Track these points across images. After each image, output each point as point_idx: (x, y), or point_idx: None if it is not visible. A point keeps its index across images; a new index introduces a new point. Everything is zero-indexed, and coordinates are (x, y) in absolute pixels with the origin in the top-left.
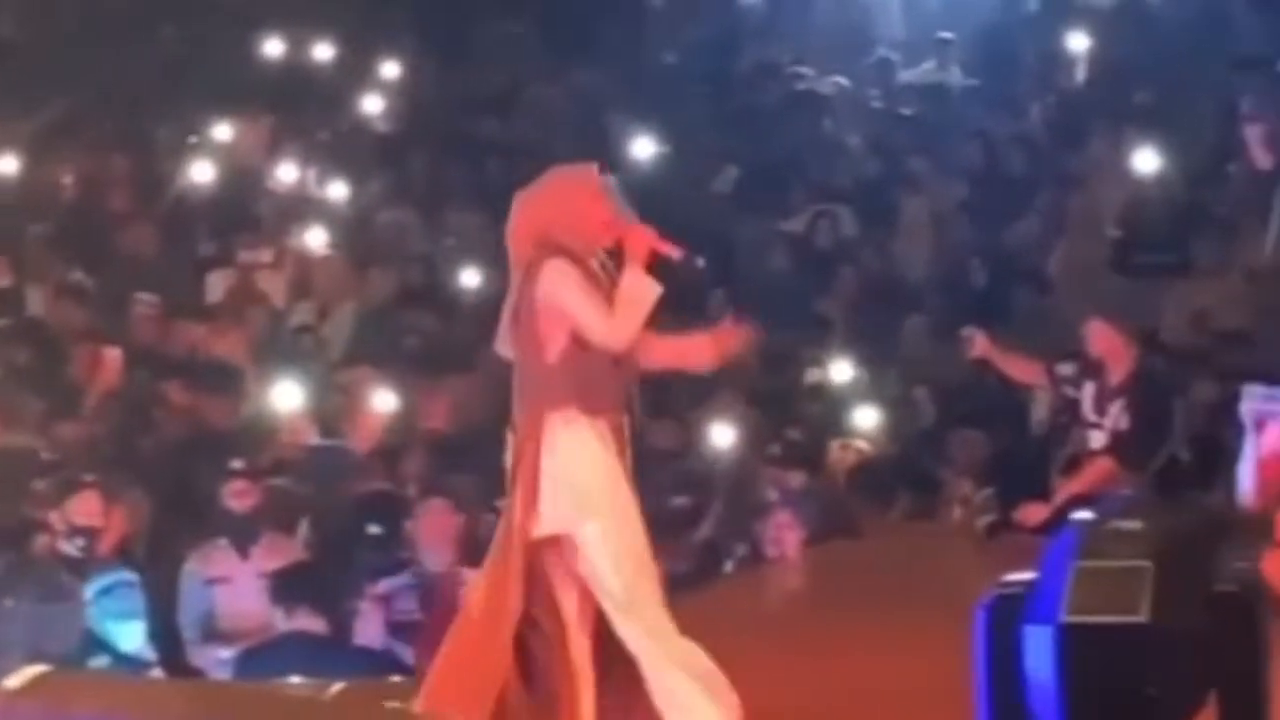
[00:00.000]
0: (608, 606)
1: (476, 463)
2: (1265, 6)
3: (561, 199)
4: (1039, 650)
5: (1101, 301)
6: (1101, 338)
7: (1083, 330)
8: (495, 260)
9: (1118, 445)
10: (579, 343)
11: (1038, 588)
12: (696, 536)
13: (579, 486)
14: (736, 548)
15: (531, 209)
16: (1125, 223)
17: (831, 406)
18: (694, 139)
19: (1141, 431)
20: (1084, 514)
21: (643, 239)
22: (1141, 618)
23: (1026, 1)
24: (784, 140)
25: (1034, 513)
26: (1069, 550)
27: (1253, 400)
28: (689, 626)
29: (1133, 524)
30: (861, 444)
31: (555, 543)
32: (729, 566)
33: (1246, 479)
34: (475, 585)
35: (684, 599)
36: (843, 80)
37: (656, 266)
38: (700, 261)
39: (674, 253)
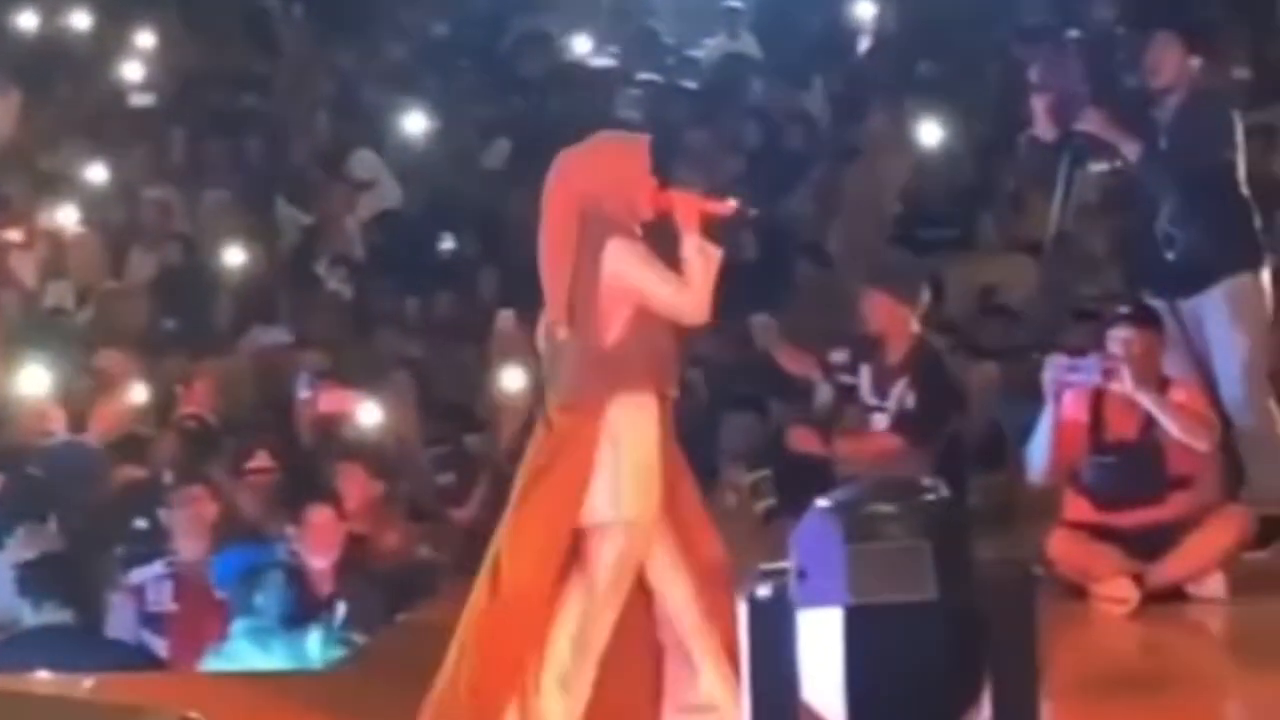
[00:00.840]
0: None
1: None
2: None
3: (610, 168)
4: (821, 636)
5: (882, 276)
6: (881, 312)
7: (861, 305)
8: (256, 239)
9: (901, 424)
10: (642, 319)
11: (808, 573)
12: (461, 518)
13: (647, 471)
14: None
15: (578, 175)
16: (907, 197)
17: None
18: (463, 113)
19: (924, 410)
20: (829, 498)
21: (692, 205)
22: (930, 596)
23: None
24: (555, 114)
25: None
26: (829, 533)
27: (1055, 370)
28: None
29: (888, 506)
30: None
31: (598, 529)
32: None
33: (1040, 454)
34: (500, 573)
35: (450, 590)
36: (615, 51)
37: None
38: (753, 210)
39: (726, 209)
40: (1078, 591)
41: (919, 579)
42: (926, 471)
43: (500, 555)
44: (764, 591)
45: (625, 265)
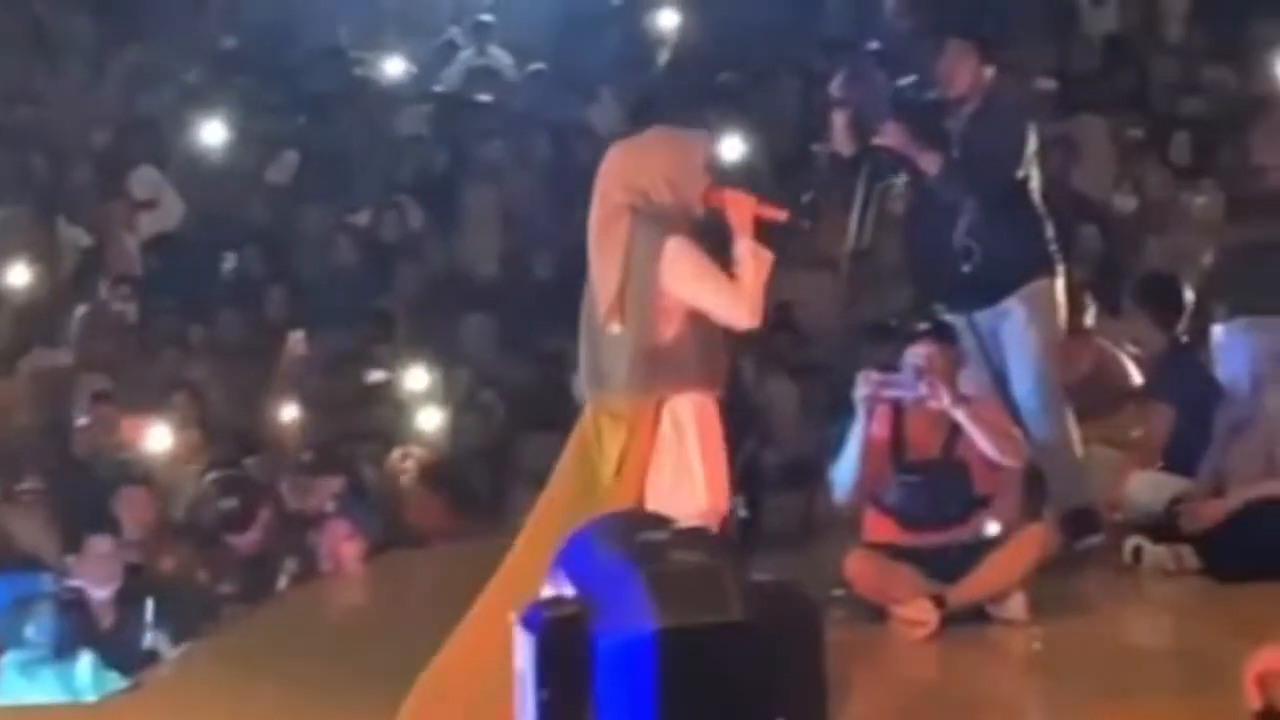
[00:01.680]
0: None
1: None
2: None
3: (665, 162)
4: (627, 663)
5: None
6: None
7: None
8: (39, 258)
9: None
10: (697, 318)
11: (599, 598)
12: (244, 544)
13: (718, 465)
14: (288, 562)
15: (633, 166)
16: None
17: (394, 409)
18: (249, 128)
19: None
20: (594, 526)
21: (746, 206)
22: (737, 616)
23: None
24: (345, 128)
25: None
26: (611, 559)
27: (869, 386)
28: (243, 652)
29: (661, 533)
30: (420, 450)
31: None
32: (282, 583)
33: (848, 473)
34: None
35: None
36: (408, 65)
37: None
38: (805, 222)
39: (780, 215)
40: (878, 613)
41: (725, 600)
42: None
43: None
44: (550, 621)
45: (683, 266)
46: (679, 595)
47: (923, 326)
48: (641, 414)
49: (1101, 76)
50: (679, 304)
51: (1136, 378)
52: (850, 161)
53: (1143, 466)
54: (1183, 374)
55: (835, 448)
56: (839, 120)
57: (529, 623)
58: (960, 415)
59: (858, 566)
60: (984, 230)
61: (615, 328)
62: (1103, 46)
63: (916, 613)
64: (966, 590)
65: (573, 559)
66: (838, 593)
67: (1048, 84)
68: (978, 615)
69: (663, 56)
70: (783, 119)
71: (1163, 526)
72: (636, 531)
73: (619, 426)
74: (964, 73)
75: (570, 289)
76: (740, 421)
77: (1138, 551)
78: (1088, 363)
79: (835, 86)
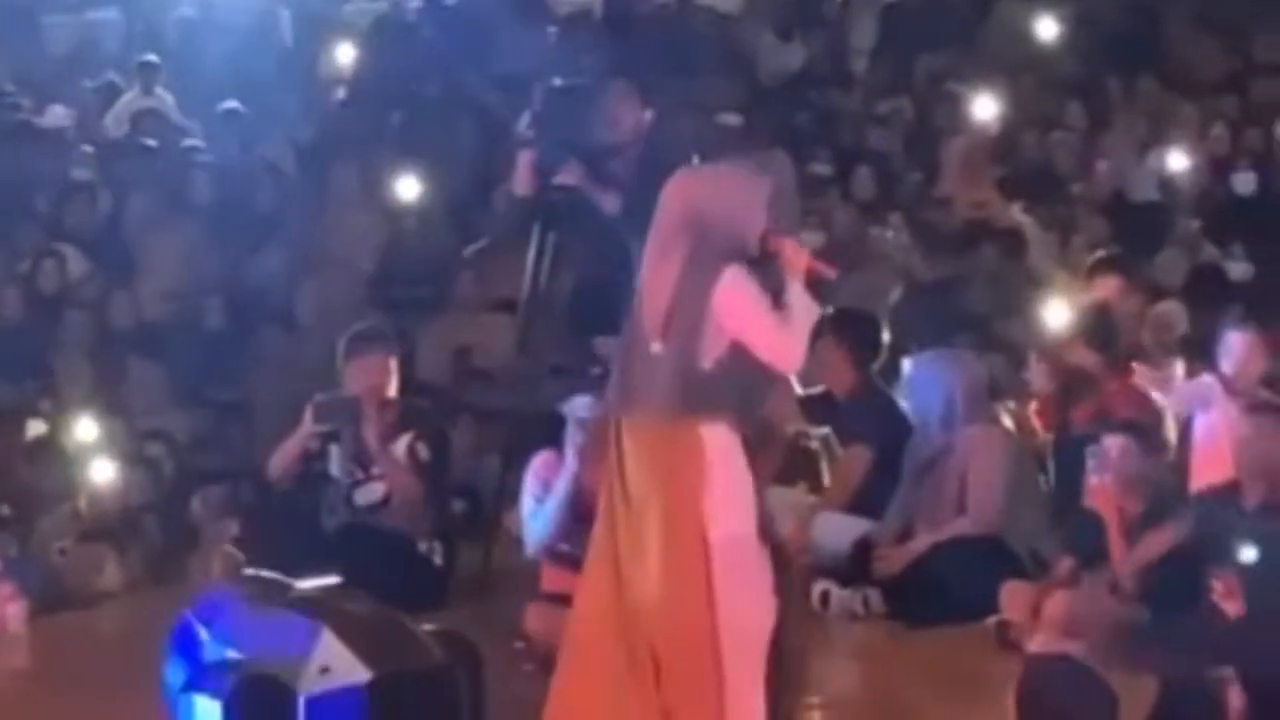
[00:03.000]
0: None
1: None
2: (530, 23)
3: (731, 195)
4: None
5: (354, 340)
6: (364, 375)
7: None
8: None
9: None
10: (739, 351)
11: (278, 654)
12: None
13: (735, 498)
14: None
15: (698, 193)
16: (382, 255)
17: (59, 464)
18: None
19: (435, 462)
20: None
21: (802, 254)
22: (439, 660)
23: (280, 20)
24: (7, 173)
25: None
26: (272, 614)
27: (578, 412)
28: None
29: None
30: (87, 506)
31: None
32: None
33: (549, 518)
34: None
35: None
36: (66, 109)
37: None
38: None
39: (830, 273)
40: None
41: (419, 646)
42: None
43: (629, 570)
44: (245, 682)
45: (739, 297)
46: (375, 644)
47: (595, 371)
48: (686, 434)
49: (787, 112)
50: (724, 334)
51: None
52: (529, 202)
53: (830, 508)
54: (878, 414)
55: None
56: (524, 159)
57: (214, 689)
58: None
59: (537, 620)
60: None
61: (657, 346)
62: (788, 81)
63: None
64: None
65: (217, 621)
66: (520, 645)
67: (732, 120)
68: None
69: (338, 94)
70: (459, 158)
71: (850, 569)
72: (275, 590)
73: (649, 444)
74: (626, 116)
75: (243, 337)
76: (445, 460)
77: (825, 596)
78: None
79: (523, 125)
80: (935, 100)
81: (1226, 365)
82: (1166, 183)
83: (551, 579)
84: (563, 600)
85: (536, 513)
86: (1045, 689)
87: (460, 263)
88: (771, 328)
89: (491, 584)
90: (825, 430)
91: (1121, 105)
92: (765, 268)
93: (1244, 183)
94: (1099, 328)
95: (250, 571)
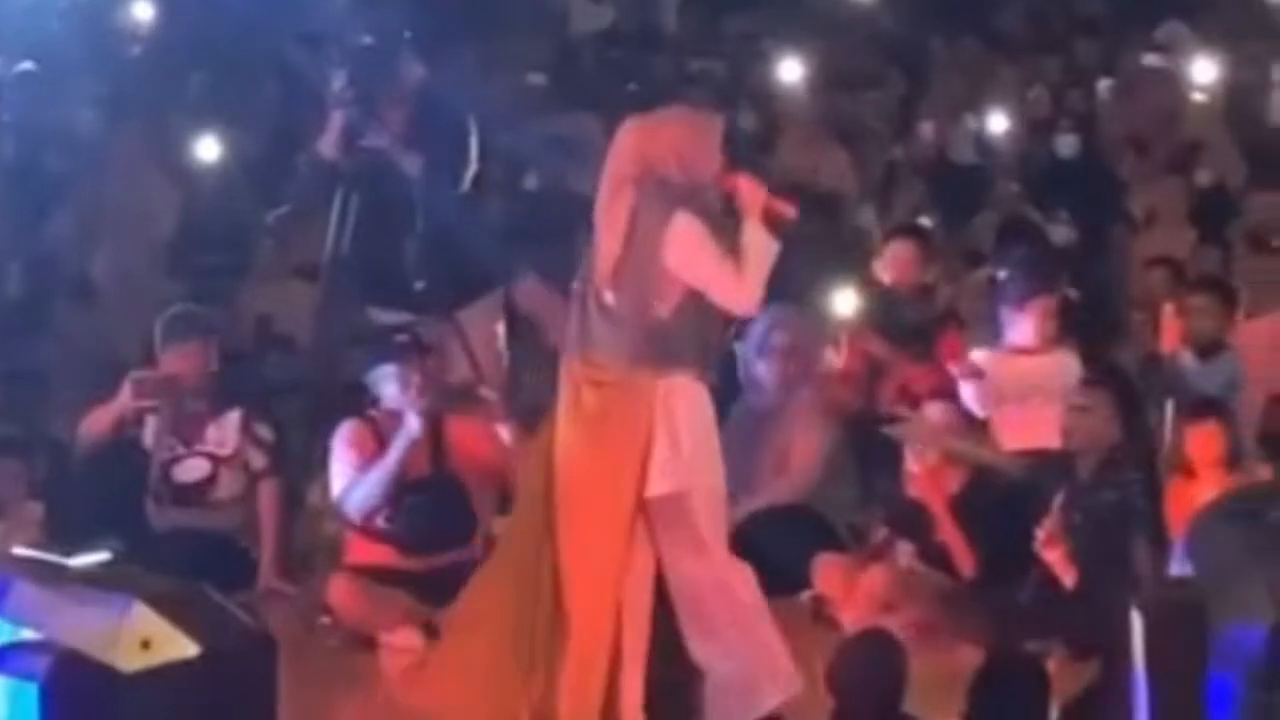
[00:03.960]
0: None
1: None
2: None
3: (678, 138)
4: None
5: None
6: (180, 357)
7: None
8: None
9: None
10: (694, 298)
11: (107, 628)
12: None
13: (693, 448)
14: None
15: (645, 140)
16: (181, 220)
17: None
18: None
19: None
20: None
21: (758, 193)
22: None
23: None
24: None
25: None
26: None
27: (383, 382)
28: None
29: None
30: None
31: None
32: None
33: (374, 485)
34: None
35: None
36: None
37: None
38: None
39: (789, 211)
40: (368, 642)
41: (235, 619)
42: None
43: (557, 524)
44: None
45: (689, 243)
46: (193, 616)
47: (401, 338)
48: (638, 386)
49: (598, 73)
50: (678, 281)
51: None
52: (333, 164)
53: None
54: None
55: (321, 466)
56: (335, 120)
57: (25, 672)
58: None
59: (342, 592)
60: (433, 241)
61: (609, 296)
62: (597, 42)
63: (405, 639)
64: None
65: (3, 601)
66: (324, 620)
67: (537, 79)
68: None
69: (134, 54)
70: (261, 119)
71: None
72: (51, 568)
73: (602, 394)
74: (407, 75)
75: (37, 304)
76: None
77: None
78: None
79: (337, 84)
80: (747, 60)
81: (1011, 318)
82: (986, 145)
83: (358, 551)
84: (368, 572)
85: (358, 482)
86: (857, 664)
87: (262, 228)
88: (725, 272)
89: (294, 559)
90: None
91: (942, 66)
92: (720, 207)
93: (1066, 145)
94: (883, 315)
95: (19, 550)
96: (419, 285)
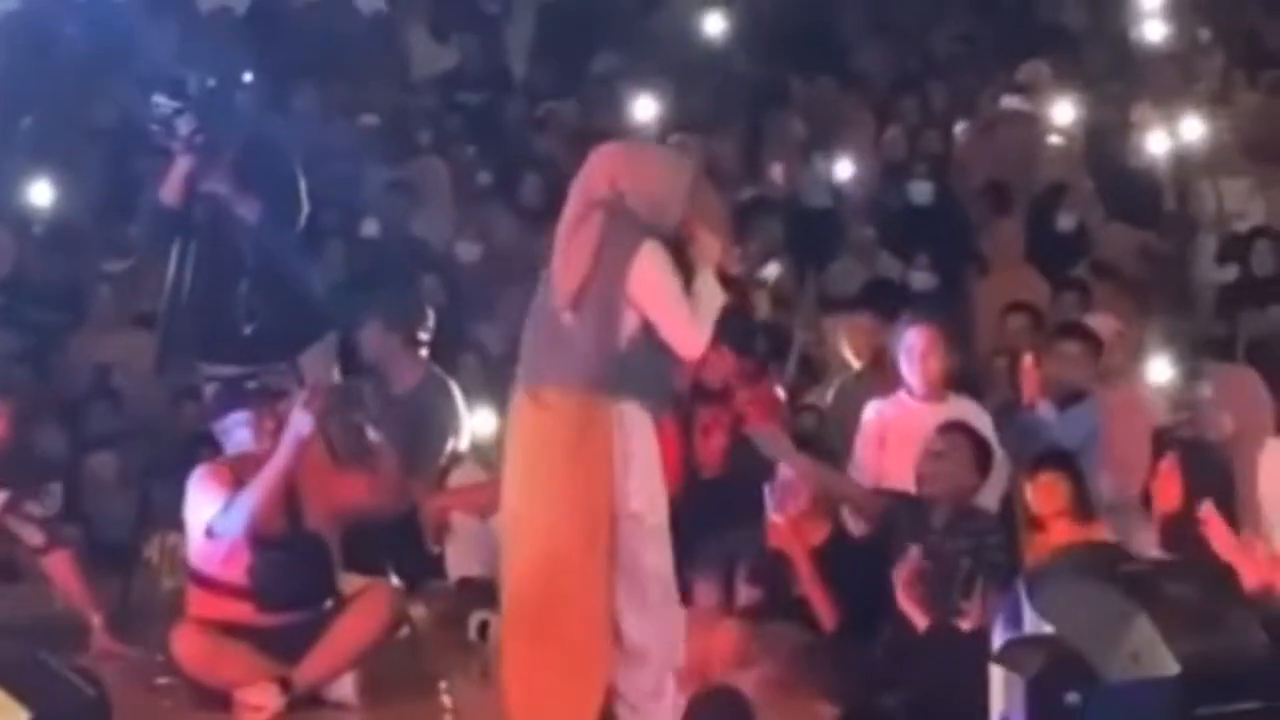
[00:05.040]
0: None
1: None
2: (172, 21)
3: (657, 174)
4: None
5: None
6: None
7: None
8: None
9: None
10: (649, 332)
11: None
12: None
13: (643, 477)
14: None
15: (619, 167)
16: (12, 268)
17: None
18: None
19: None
20: None
21: (716, 243)
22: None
23: None
24: None
25: None
26: None
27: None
28: None
29: None
30: None
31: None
32: None
33: (243, 511)
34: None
35: None
36: None
37: None
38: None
39: (734, 270)
40: (223, 698)
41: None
42: None
43: (530, 543)
44: None
45: (654, 274)
46: (26, 683)
47: (251, 385)
48: (598, 407)
49: (442, 116)
50: (637, 311)
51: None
52: (175, 210)
53: None
54: None
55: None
56: (180, 165)
57: None
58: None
59: (188, 645)
60: (265, 286)
61: (568, 318)
62: (443, 85)
63: (256, 697)
64: (311, 669)
65: None
66: (163, 681)
67: (370, 120)
68: (311, 700)
69: None
70: (97, 165)
71: None
72: None
73: (556, 417)
74: (246, 119)
75: None
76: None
77: (484, 626)
78: None
79: (185, 129)
80: (601, 102)
81: (907, 366)
82: (839, 189)
83: (203, 605)
84: (215, 626)
85: (235, 503)
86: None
87: (99, 276)
88: (681, 310)
89: (132, 615)
90: None
91: (796, 106)
92: (679, 252)
93: (920, 192)
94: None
95: None
96: (249, 330)
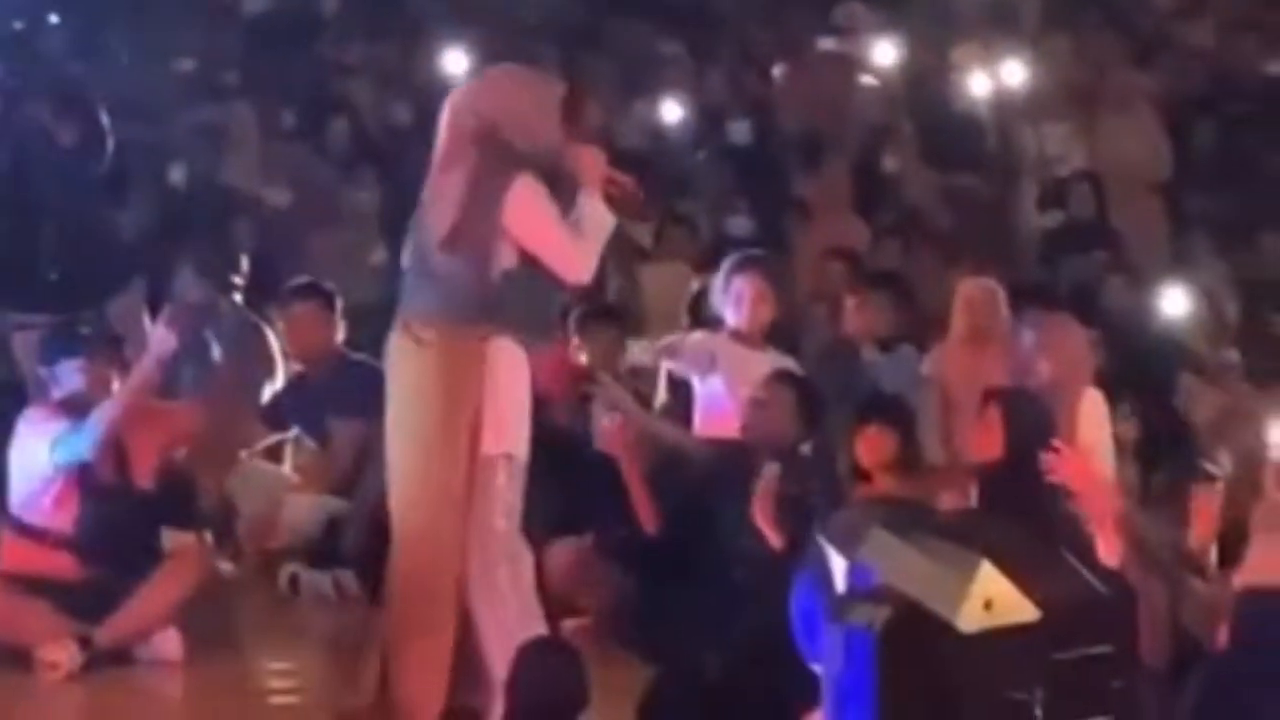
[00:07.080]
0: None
1: None
2: None
3: (520, 97)
4: None
5: None
6: None
7: None
8: None
9: None
10: (527, 264)
11: None
12: None
13: (511, 412)
14: None
15: (479, 97)
16: None
17: None
18: None
19: None
20: None
21: (597, 163)
22: None
23: None
24: None
25: None
26: None
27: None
28: None
29: None
30: None
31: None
32: None
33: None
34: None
35: None
36: None
37: None
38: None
39: (630, 185)
40: (24, 657)
41: None
42: None
43: (410, 476)
44: None
45: (529, 207)
46: None
47: (85, 330)
48: (471, 344)
49: (250, 60)
50: (514, 243)
51: None
52: None
53: (315, 489)
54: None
55: None
56: None
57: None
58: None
59: None
60: (72, 233)
61: (442, 257)
62: (254, 28)
63: (55, 653)
64: (114, 628)
65: None
66: None
67: (187, 65)
68: (123, 657)
69: None
70: None
71: (322, 551)
72: None
73: (424, 352)
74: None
75: None
76: None
77: (294, 579)
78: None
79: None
80: (415, 49)
81: (733, 314)
82: (656, 131)
83: (13, 555)
84: (23, 581)
85: (75, 432)
86: (527, 669)
87: None
88: (562, 239)
89: None
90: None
91: (611, 49)
92: (559, 176)
93: (739, 132)
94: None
95: None
96: (54, 276)
